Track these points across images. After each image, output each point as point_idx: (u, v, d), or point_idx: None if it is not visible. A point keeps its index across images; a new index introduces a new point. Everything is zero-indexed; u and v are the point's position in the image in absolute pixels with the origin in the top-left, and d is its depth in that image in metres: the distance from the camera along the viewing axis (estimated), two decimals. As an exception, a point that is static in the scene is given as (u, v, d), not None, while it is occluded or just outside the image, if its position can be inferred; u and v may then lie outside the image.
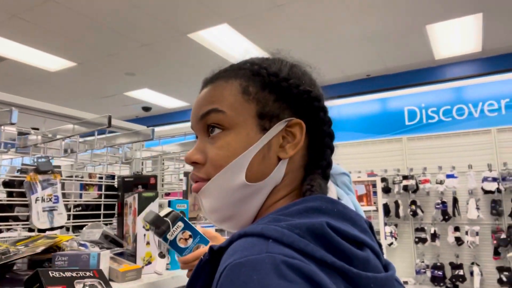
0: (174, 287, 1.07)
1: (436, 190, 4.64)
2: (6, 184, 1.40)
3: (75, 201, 1.53)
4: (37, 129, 1.46)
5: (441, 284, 4.48)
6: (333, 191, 1.26)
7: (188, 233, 0.83)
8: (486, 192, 4.35)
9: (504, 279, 4.12)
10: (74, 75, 5.55)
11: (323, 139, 0.57)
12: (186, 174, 1.74)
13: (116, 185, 1.63)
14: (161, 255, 0.91)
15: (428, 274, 4.59)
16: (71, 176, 1.61)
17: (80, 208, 1.55)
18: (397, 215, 4.84)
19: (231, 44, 4.65)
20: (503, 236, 4.22)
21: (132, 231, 1.15)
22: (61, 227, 1.29)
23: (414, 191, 4.79)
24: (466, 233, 4.43)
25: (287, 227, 0.43)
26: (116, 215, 1.55)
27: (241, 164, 0.53)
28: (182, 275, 1.09)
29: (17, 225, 1.34)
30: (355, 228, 0.49)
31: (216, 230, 1.35)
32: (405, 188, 4.79)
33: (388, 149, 5.14)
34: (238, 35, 4.42)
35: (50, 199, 1.24)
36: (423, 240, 4.66)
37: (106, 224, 1.51)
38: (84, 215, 1.51)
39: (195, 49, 4.74)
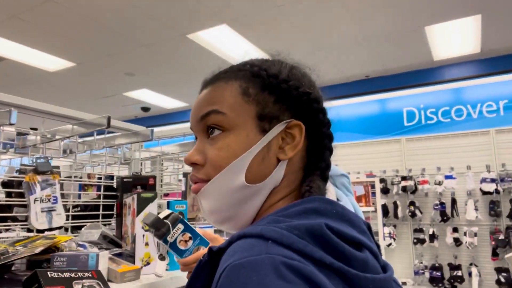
0: (173, 288, 1.07)
1: (435, 191, 4.65)
2: (5, 184, 1.40)
3: (74, 201, 1.53)
4: (36, 129, 1.46)
5: (440, 285, 4.49)
6: (332, 192, 1.26)
7: (188, 235, 0.83)
8: (485, 193, 4.36)
9: (503, 280, 4.13)
10: (73, 75, 5.55)
11: (322, 140, 0.57)
12: (185, 174, 1.74)
13: (115, 186, 1.63)
14: (161, 258, 0.91)
15: (427, 275, 4.60)
16: (70, 177, 1.61)
17: (79, 209, 1.55)
18: (396, 216, 4.85)
19: (230, 45, 4.65)
20: (501, 237, 4.22)
21: (131, 231, 1.15)
22: (59, 228, 1.28)
23: (413, 192, 4.80)
24: (465, 234, 4.43)
25: (286, 228, 0.43)
26: (115, 216, 1.55)
27: (241, 165, 0.53)
28: (181, 276, 1.09)
29: (16, 225, 1.34)
30: (354, 229, 0.49)
31: (215, 231, 1.35)
32: (404, 189, 4.80)
33: (387, 150, 5.15)
34: (237, 35, 4.42)
35: (49, 200, 1.24)
36: (422, 241, 4.67)
37: (105, 225, 1.51)
38: (83, 216, 1.51)
39: (194, 50, 4.74)
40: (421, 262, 4.70)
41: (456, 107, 5.18)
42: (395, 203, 4.88)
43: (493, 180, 4.32)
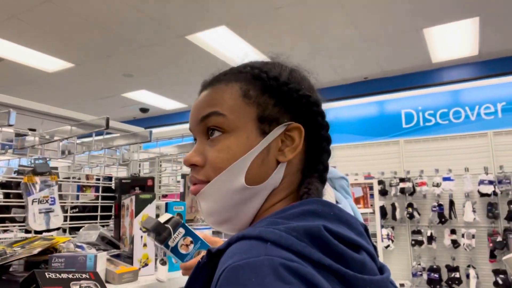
0: (171, 289, 1.07)
1: (433, 192, 4.65)
2: (3, 185, 1.40)
3: (72, 202, 1.52)
4: (35, 130, 1.46)
5: (438, 286, 4.49)
6: (331, 194, 1.27)
7: (189, 239, 0.82)
8: (483, 195, 4.37)
9: (500, 281, 4.13)
10: (72, 76, 5.54)
11: (320, 143, 0.58)
12: (183, 176, 1.74)
13: (113, 187, 1.63)
14: (163, 262, 0.91)
15: (425, 276, 4.60)
16: (68, 178, 1.61)
17: (77, 210, 1.54)
18: (394, 217, 4.85)
19: (229, 46, 4.65)
20: (499, 239, 4.23)
21: (129, 233, 1.15)
22: (57, 229, 1.28)
23: (411, 194, 4.80)
24: (463, 235, 4.44)
25: (285, 230, 0.44)
26: (113, 217, 1.55)
27: (241, 167, 0.53)
28: (179, 278, 1.09)
29: (14, 226, 1.34)
30: (351, 231, 0.49)
31: (214, 233, 1.35)
32: (402, 190, 4.80)
33: (385, 152, 5.15)
34: (236, 37, 4.42)
35: (47, 201, 1.24)
36: (420, 243, 4.67)
37: (103, 226, 1.51)
38: (81, 217, 1.51)
39: (193, 51, 4.74)
40: (419, 264, 4.70)
41: (454, 109, 5.19)
42: (393, 205, 4.88)
43: (491, 182, 4.33)
